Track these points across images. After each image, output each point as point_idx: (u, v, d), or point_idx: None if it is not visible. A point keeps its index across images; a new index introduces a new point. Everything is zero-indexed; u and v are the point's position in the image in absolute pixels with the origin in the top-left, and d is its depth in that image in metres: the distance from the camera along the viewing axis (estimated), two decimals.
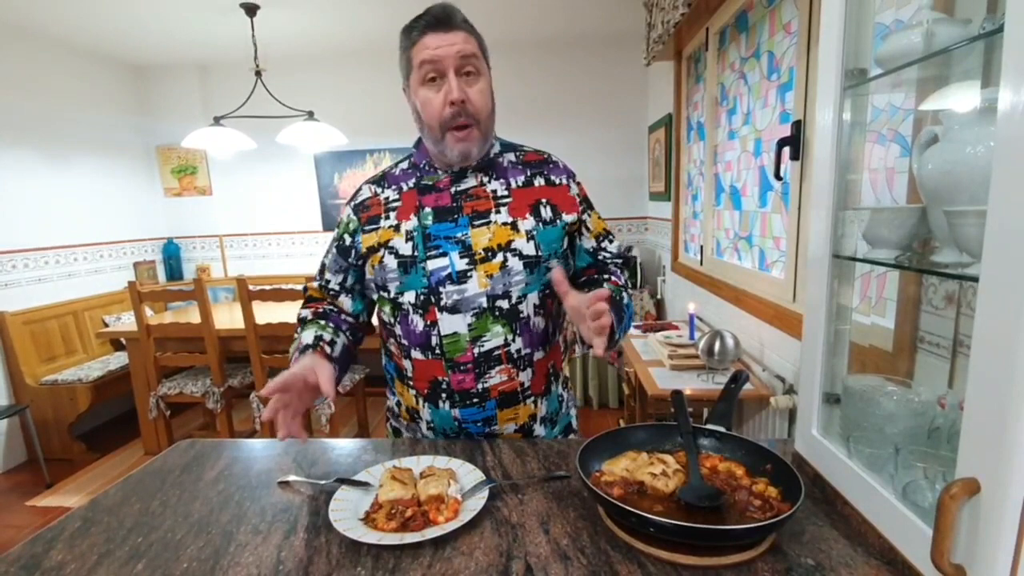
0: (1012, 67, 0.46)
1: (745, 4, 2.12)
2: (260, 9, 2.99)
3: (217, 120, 3.08)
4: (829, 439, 0.79)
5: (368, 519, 0.76)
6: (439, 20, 0.91)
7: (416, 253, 0.99)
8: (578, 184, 1.09)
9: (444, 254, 0.98)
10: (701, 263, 2.75)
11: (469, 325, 0.98)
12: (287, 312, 2.84)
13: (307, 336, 1.02)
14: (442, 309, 0.98)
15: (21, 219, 3.23)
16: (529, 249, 0.99)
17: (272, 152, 4.03)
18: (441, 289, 0.98)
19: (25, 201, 3.26)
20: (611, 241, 1.11)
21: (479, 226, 0.99)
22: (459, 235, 0.98)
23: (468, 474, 0.86)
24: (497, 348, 1.00)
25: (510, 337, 1.00)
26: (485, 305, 0.98)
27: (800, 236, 1.69)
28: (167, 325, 2.85)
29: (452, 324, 0.98)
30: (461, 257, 0.98)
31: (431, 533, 0.70)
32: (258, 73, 3.09)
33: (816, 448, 0.81)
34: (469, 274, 0.98)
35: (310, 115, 3.19)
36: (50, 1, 2.82)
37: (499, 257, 0.98)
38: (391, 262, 1.00)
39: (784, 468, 0.75)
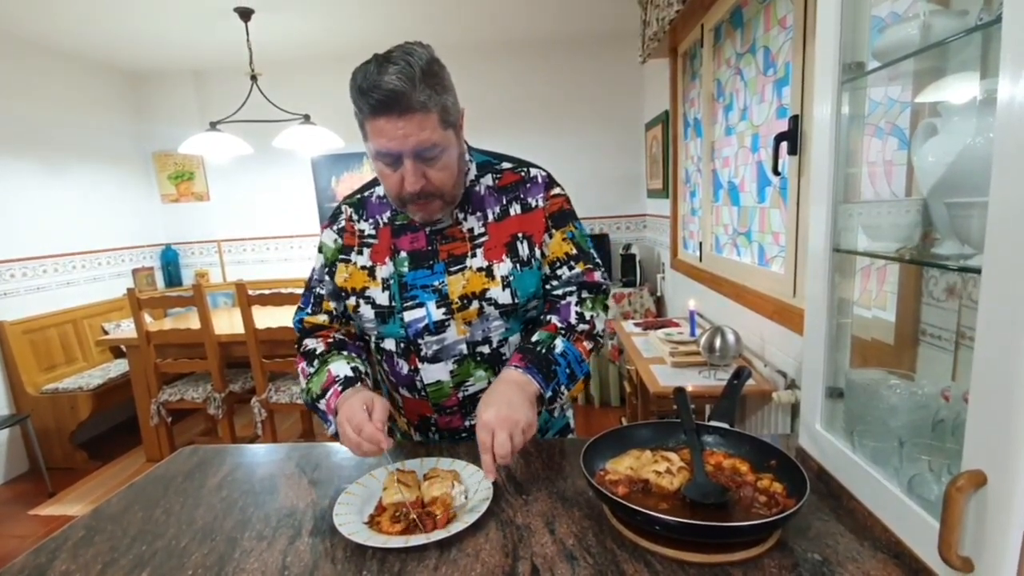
0: (1011, 58, 0.46)
1: (739, 0, 2.12)
2: (254, 14, 2.99)
3: (213, 125, 3.07)
4: (833, 433, 0.79)
5: (372, 522, 0.76)
6: (390, 103, 0.78)
7: (393, 303, 0.96)
8: (554, 197, 0.99)
9: (420, 304, 0.95)
10: (700, 260, 2.75)
11: (451, 372, 0.97)
12: (287, 316, 2.84)
13: (340, 368, 0.94)
14: (423, 359, 0.97)
15: (19, 228, 3.23)
16: (505, 298, 0.94)
17: (269, 156, 4.02)
18: (420, 341, 0.96)
19: (22, 209, 3.25)
20: (571, 267, 0.99)
21: (455, 272, 0.95)
22: (436, 283, 0.95)
23: (472, 475, 0.86)
24: (482, 391, 0.98)
25: (494, 380, 0.97)
26: (466, 352, 0.97)
27: (799, 231, 1.69)
28: (167, 331, 2.84)
29: (434, 373, 0.97)
30: (438, 307, 0.95)
31: (436, 535, 0.70)
32: (253, 78, 3.09)
33: (820, 443, 0.81)
34: (447, 323, 0.95)
35: (306, 119, 3.18)
36: (46, 9, 2.82)
37: (475, 304, 0.94)
38: (368, 312, 0.98)
39: (788, 463, 0.75)
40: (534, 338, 0.94)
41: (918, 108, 0.96)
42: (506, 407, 0.80)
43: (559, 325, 0.96)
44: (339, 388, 0.91)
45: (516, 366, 0.89)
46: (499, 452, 0.76)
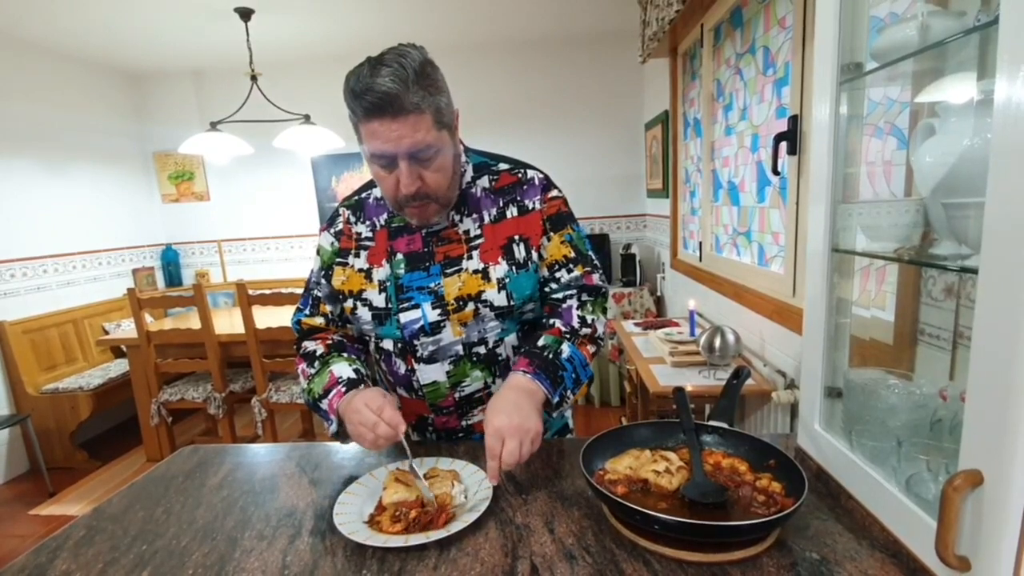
0: (1008, 59, 0.46)
1: (739, 0, 2.12)
2: (254, 14, 2.99)
3: (213, 125, 3.08)
4: (831, 433, 0.79)
5: (372, 522, 0.76)
6: (383, 105, 0.78)
7: (390, 305, 0.96)
8: (551, 199, 0.99)
9: (416, 306, 0.95)
10: (700, 259, 2.75)
11: (448, 373, 0.97)
12: (287, 316, 2.84)
13: (343, 370, 0.95)
14: (419, 360, 0.97)
15: (19, 228, 3.23)
16: (500, 300, 0.94)
17: (269, 156, 4.03)
18: (416, 342, 0.96)
19: (23, 210, 3.25)
20: (570, 270, 0.99)
21: (451, 274, 0.95)
22: (432, 285, 0.95)
23: (472, 475, 0.86)
24: (478, 391, 0.99)
25: (490, 380, 0.99)
26: (462, 352, 0.97)
27: (799, 231, 1.69)
28: (167, 331, 2.84)
29: (431, 374, 0.97)
30: (433, 308, 0.95)
31: (436, 535, 0.70)
32: (253, 78, 3.09)
33: (819, 442, 0.81)
34: (442, 325, 0.95)
35: (306, 119, 3.19)
36: (46, 11, 2.82)
37: (471, 306, 0.94)
38: (365, 314, 0.98)
39: (787, 463, 0.75)
40: (540, 342, 0.94)
41: (917, 108, 0.96)
42: (517, 415, 0.81)
43: (563, 329, 0.97)
44: (342, 389, 0.92)
45: (524, 371, 0.89)
46: (508, 460, 0.77)
